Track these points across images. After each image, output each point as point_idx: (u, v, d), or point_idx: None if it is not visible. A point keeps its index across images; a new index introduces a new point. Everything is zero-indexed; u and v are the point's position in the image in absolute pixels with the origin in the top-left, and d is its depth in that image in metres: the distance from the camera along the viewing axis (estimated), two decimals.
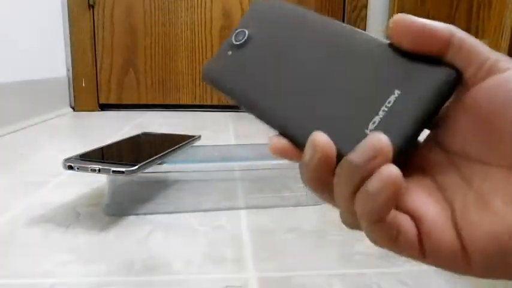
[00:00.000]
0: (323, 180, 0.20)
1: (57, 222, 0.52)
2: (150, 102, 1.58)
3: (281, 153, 0.21)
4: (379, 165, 0.18)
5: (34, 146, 0.95)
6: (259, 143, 0.71)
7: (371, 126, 0.19)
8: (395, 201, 0.18)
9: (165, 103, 1.59)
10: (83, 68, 1.52)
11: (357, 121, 0.20)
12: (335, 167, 0.19)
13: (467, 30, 1.14)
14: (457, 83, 0.19)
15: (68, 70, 1.51)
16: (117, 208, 0.55)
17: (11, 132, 1.09)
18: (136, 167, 0.49)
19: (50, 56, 1.41)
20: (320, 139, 0.19)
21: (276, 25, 0.24)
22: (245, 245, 0.47)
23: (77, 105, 1.53)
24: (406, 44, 0.20)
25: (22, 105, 1.18)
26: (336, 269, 0.42)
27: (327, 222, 0.53)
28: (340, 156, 0.19)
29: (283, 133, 0.21)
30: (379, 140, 0.18)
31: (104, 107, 1.57)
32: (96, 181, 0.67)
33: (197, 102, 1.60)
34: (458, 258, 0.18)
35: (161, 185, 0.59)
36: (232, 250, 0.46)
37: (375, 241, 0.20)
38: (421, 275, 0.41)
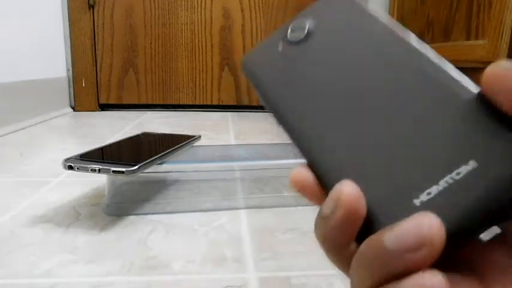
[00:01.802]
0: (341, 245, 0.15)
1: (57, 222, 0.52)
2: (150, 102, 1.59)
3: (300, 189, 0.17)
4: (422, 261, 0.13)
5: (34, 146, 0.95)
6: (259, 143, 0.71)
7: (423, 197, 0.14)
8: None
9: (165, 103, 1.59)
10: (83, 68, 1.52)
11: (407, 185, 0.15)
12: (360, 234, 0.15)
13: (467, 30, 1.14)
14: None
15: (68, 70, 1.51)
16: (117, 208, 0.55)
17: (11, 132, 1.09)
18: (136, 167, 0.49)
19: (50, 56, 1.41)
20: (348, 191, 0.15)
21: (346, 30, 0.19)
22: (245, 245, 0.47)
23: (77, 105, 1.53)
24: (505, 104, 0.14)
25: (22, 105, 1.18)
26: (336, 269, 0.42)
27: None
28: (370, 224, 0.15)
29: (311, 166, 0.17)
30: (429, 227, 0.13)
31: (104, 107, 1.57)
32: (96, 181, 0.67)
33: (197, 102, 1.60)
34: None
35: (161, 185, 0.59)
36: (232, 250, 0.46)
37: None
38: None
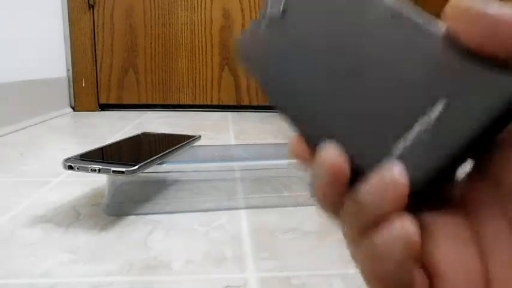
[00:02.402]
0: (335, 202, 0.16)
1: (57, 222, 0.52)
2: (150, 102, 1.59)
3: (299, 157, 0.18)
4: (390, 208, 0.14)
5: (34, 146, 0.95)
6: (259, 143, 0.71)
7: (400, 144, 0.15)
8: (407, 263, 0.14)
9: (165, 103, 1.59)
10: (83, 68, 1.52)
11: (385, 134, 0.15)
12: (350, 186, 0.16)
13: None
14: None
15: (68, 70, 1.51)
16: (117, 208, 0.55)
17: (11, 132, 1.09)
18: (137, 167, 0.49)
19: (50, 56, 1.41)
20: (328, 154, 0.16)
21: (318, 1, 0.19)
22: (245, 245, 0.47)
23: (77, 105, 1.53)
24: (466, 40, 0.14)
25: (22, 105, 1.18)
26: (336, 269, 0.42)
27: (327, 222, 0.53)
28: (359, 174, 0.16)
29: (301, 135, 0.18)
30: (391, 177, 0.14)
31: (104, 107, 1.57)
32: (96, 181, 0.67)
33: (197, 102, 1.60)
34: None
35: (161, 185, 0.59)
36: (232, 250, 0.46)
37: None
38: None
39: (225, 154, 0.65)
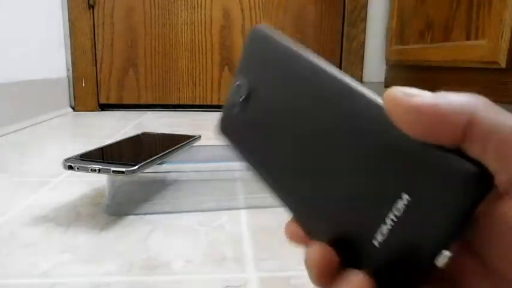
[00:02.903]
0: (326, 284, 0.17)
1: (57, 222, 0.52)
2: (150, 102, 1.58)
3: (296, 241, 0.20)
4: None
5: (34, 146, 0.95)
6: None
7: (379, 237, 0.15)
8: None
9: (165, 103, 1.59)
10: (83, 68, 1.52)
11: (364, 226, 0.16)
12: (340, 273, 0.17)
13: (467, 30, 1.14)
14: (487, 187, 0.14)
15: (68, 70, 1.51)
16: (117, 208, 0.55)
17: (11, 132, 1.09)
18: (136, 167, 0.49)
19: (50, 56, 1.41)
20: (312, 258, 0.17)
21: (273, 76, 0.20)
22: (245, 245, 0.47)
23: (77, 105, 1.53)
24: (409, 132, 0.15)
25: (22, 105, 1.18)
26: None
27: None
28: (347, 263, 0.17)
29: (292, 216, 0.20)
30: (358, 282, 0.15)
31: (104, 107, 1.57)
32: (96, 181, 0.67)
33: (197, 102, 1.60)
34: None
35: (161, 185, 0.59)
36: (232, 250, 0.46)
37: None
38: None
39: (225, 154, 0.64)
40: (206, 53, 1.57)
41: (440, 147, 0.14)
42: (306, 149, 0.18)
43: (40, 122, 1.25)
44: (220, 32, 1.56)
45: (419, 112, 0.14)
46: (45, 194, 0.62)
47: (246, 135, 0.21)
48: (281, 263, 0.43)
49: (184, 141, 0.65)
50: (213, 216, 0.55)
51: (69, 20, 1.48)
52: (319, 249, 0.17)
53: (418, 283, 0.15)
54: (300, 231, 0.19)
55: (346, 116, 0.17)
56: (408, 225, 0.15)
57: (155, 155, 0.54)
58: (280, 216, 0.58)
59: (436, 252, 0.14)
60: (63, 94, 1.49)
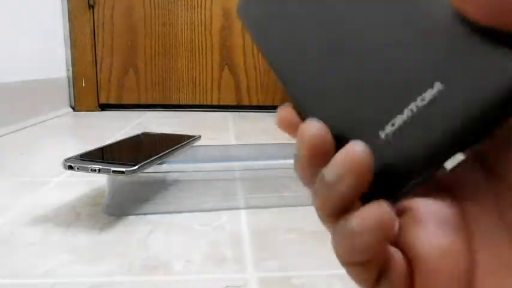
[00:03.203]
0: (312, 177, 0.16)
1: (57, 222, 0.52)
2: (150, 102, 1.58)
3: (285, 127, 0.17)
4: (353, 189, 0.14)
5: (34, 146, 0.95)
6: (259, 143, 0.71)
7: (388, 128, 0.14)
8: (383, 244, 0.14)
9: (165, 103, 1.59)
10: (83, 68, 1.52)
11: (374, 116, 0.14)
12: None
13: None
14: None
15: (68, 70, 1.51)
16: (117, 208, 0.55)
17: (11, 132, 1.09)
18: (137, 167, 0.49)
19: (50, 56, 1.41)
20: (310, 129, 0.15)
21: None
22: (245, 245, 0.47)
23: (77, 105, 1.53)
24: (473, 14, 0.13)
25: (22, 105, 1.18)
26: (336, 269, 0.42)
27: None
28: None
29: (294, 104, 0.17)
30: (353, 153, 0.14)
31: (104, 107, 1.57)
32: (96, 181, 0.67)
33: (197, 102, 1.60)
34: None
35: (161, 185, 0.59)
36: (232, 250, 0.46)
37: (351, 278, 0.16)
38: None
39: (225, 154, 0.65)
40: (206, 53, 1.57)
41: (494, 33, 0.12)
42: (337, 33, 0.16)
43: (40, 122, 1.25)
44: (220, 32, 1.56)
45: None
46: (45, 194, 0.62)
47: (270, 15, 0.19)
48: (281, 263, 0.43)
49: (184, 141, 0.65)
50: (213, 216, 0.55)
51: (69, 20, 1.48)
52: (317, 124, 0.15)
53: (413, 188, 0.14)
54: (294, 118, 0.17)
55: None
56: (428, 119, 0.13)
57: (155, 155, 0.54)
58: (280, 216, 0.58)
59: (451, 152, 0.13)
60: (63, 94, 1.49)
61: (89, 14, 1.49)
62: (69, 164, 0.50)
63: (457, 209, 0.15)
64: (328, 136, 0.15)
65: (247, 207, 0.58)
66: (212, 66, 1.58)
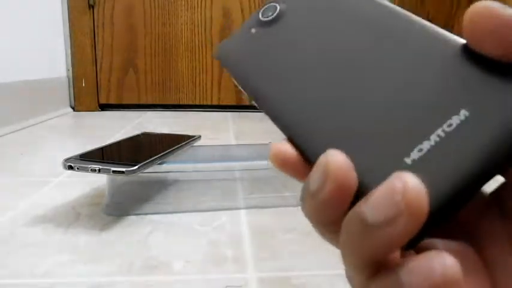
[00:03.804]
0: (333, 220, 0.13)
1: (57, 222, 0.52)
2: (150, 102, 1.58)
3: (281, 165, 0.15)
4: (403, 235, 0.11)
5: (34, 146, 0.95)
6: (259, 143, 0.71)
7: (415, 154, 0.13)
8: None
9: (165, 103, 1.59)
10: (83, 68, 1.52)
11: (397, 144, 0.13)
12: (351, 205, 0.13)
13: None
14: None
15: (68, 70, 1.51)
16: (117, 208, 0.55)
17: (11, 132, 1.09)
18: (137, 167, 0.49)
19: (50, 56, 1.41)
20: (336, 161, 0.13)
21: (316, 4, 0.18)
22: (245, 245, 0.47)
23: (77, 105, 1.53)
24: (488, 48, 0.13)
25: (22, 105, 1.18)
26: (336, 269, 0.42)
27: None
28: (363, 192, 0.13)
29: (292, 139, 0.16)
30: (404, 190, 0.11)
31: (104, 107, 1.57)
32: (96, 181, 0.67)
33: (197, 102, 1.60)
34: None
35: (161, 185, 0.59)
36: (232, 250, 0.46)
37: None
38: None
39: (225, 154, 0.65)
40: (206, 53, 1.57)
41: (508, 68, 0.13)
42: (338, 65, 0.16)
43: (40, 122, 1.25)
44: (220, 32, 1.56)
45: (506, 24, 0.12)
46: (45, 194, 0.62)
47: (257, 51, 0.19)
48: (281, 263, 0.43)
49: (184, 141, 0.65)
50: (213, 216, 0.55)
51: (69, 20, 1.48)
52: (341, 154, 0.13)
53: (448, 217, 0.13)
54: (292, 152, 0.15)
55: (404, 36, 0.15)
56: (462, 143, 0.13)
57: (155, 155, 0.54)
58: (280, 216, 0.58)
59: (488, 174, 0.12)
60: (63, 94, 1.49)
61: (89, 14, 1.49)
62: (69, 164, 0.49)
63: (476, 251, 0.14)
64: (353, 168, 0.13)
65: (247, 207, 0.58)
66: (212, 66, 1.58)
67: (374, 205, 0.12)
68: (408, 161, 0.13)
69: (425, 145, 0.13)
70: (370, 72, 0.15)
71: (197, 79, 1.58)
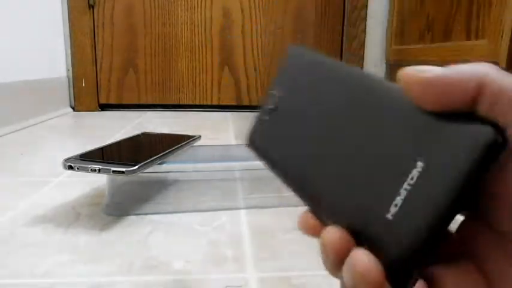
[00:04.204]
0: (337, 270, 0.18)
1: (57, 222, 0.52)
2: (150, 102, 1.59)
3: (308, 232, 0.20)
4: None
5: (34, 146, 0.95)
6: None
7: (392, 209, 0.16)
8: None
9: (165, 103, 1.59)
10: (83, 68, 1.52)
11: (379, 201, 0.16)
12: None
13: (467, 30, 1.14)
14: (499, 145, 0.14)
15: (68, 70, 1.51)
16: (117, 208, 0.55)
17: (11, 132, 1.09)
18: (137, 167, 0.49)
19: (50, 56, 1.41)
20: (329, 238, 0.17)
21: (304, 85, 0.22)
22: (245, 245, 0.47)
23: (77, 105, 1.53)
24: (424, 104, 0.16)
25: (22, 105, 1.18)
26: None
27: None
28: (361, 242, 0.17)
29: (310, 209, 0.20)
30: (357, 266, 0.15)
31: (104, 107, 1.57)
32: (96, 181, 0.67)
33: (197, 102, 1.60)
34: None
35: (161, 185, 0.59)
36: (232, 250, 0.46)
37: None
38: None
39: (225, 154, 0.65)
40: (206, 53, 1.57)
41: (453, 114, 0.15)
42: (329, 139, 0.19)
43: (40, 122, 1.25)
44: (220, 32, 1.56)
45: (430, 84, 0.15)
46: (45, 194, 0.62)
47: (272, 136, 0.22)
48: (281, 263, 0.43)
49: (184, 141, 0.65)
50: (213, 216, 0.55)
51: (69, 20, 1.48)
52: (335, 230, 0.17)
53: (432, 251, 0.15)
54: (314, 222, 0.19)
55: (368, 103, 0.18)
56: (422, 192, 0.15)
57: (155, 155, 0.54)
58: (280, 216, 0.58)
59: (450, 215, 0.15)
60: (63, 94, 1.49)
61: (89, 14, 1.49)
62: (69, 164, 0.50)
63: (477, 267, 0.16)
64: (348, 237, 0.17)
65: (247, 207, 0.58)
66: (212, 66, 1.58)
67: (345, 274, 0.16)
68: (389, 216, 0.16)
69: (398, 200, 0.15)
70: (351, 143, 0.18)
71: (197, 79, 1.58)
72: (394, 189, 0.16)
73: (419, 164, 0.15)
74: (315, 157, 0.19)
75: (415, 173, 0.15)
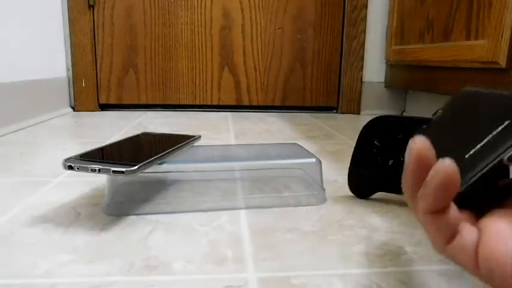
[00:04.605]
0: (415, 188, 0.22)
1: (57, 222, 0.52)
2: (150, 102, 1.59)
3: (423, 158, 0.23)
4: (442, 188, 0.20)
5: (34, 146, 0.95)
6: (259, 143, 0.71)
7: (471, 153, 0.23)
8: (449, 191, 0.20)
9: (165, 103, 1.59)
10: (83, 68, 1.52)
11: (464, 148, 0.23)
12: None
13: (467, 30, 1.13)
14: None
15: (68, 70, 1.51)
16: (117, 208, 0.55)
17: (11, 132, 1.09)
18: (137, 167, 0.49)
19: (50, 56, 1.41)
20: (417, 142, 0.21)
21: (460, 112, 0.30)
22: (245, 245, 0.47)
23: (77, 105, 1.53)
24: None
25: (22, 105, 1.18)
26: (336, 269, 0.42)
27: (327, 222, 0.53)
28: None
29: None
30: (438, 165, 0.20)
31: (104, 107, 1.57)
32: (96, 181, 0.67)
33: (197, 102, 1.60)
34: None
35: (161, 185, 0.59)
36: (232, 250, 0.46)
37: (432, 241, 0.21)
38: (421, 275, 0.41)
39: (225, 154, 0.65)
40: (206, 53, 1.57)
41: None
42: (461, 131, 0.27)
43: (40, 122, 1.25)
44: (220, 32, 1.56)
45: None
46: (45, 194, 0.62)
47: (434, 138, 0.28)
48: (281, 263, 0.43)
49: (184, 141, 0.65)
50: (213, 216, 0.55)
51: (69, 20, 1.48)
52: (424, 139, 0.22)
53: (488, 189, 0.22)
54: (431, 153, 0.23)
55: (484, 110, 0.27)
56: (494, 142, 0.21)
57: (155, 155, 0.54)
58: (280, 216, 0.58)
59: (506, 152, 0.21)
60: (63, 94, 1.49)
61: (89, 14, 1.49)
62: (69, 164, 0.49)
63: None
64: (432, 151, 0.22)
65: (247, 207, 0.58)
66: (212, 66, 1.58)
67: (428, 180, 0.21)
68: (467, 156, 0.23)
69: (478, 147, 0.23)
70: (467, 135, 0.26)
71: (197, 79, 1.58)
72: (480, 139, 0.23)
73: (507, 121, 0.22)
74: (453, 140, 0.27)
75: (500, 127, 0.22)
